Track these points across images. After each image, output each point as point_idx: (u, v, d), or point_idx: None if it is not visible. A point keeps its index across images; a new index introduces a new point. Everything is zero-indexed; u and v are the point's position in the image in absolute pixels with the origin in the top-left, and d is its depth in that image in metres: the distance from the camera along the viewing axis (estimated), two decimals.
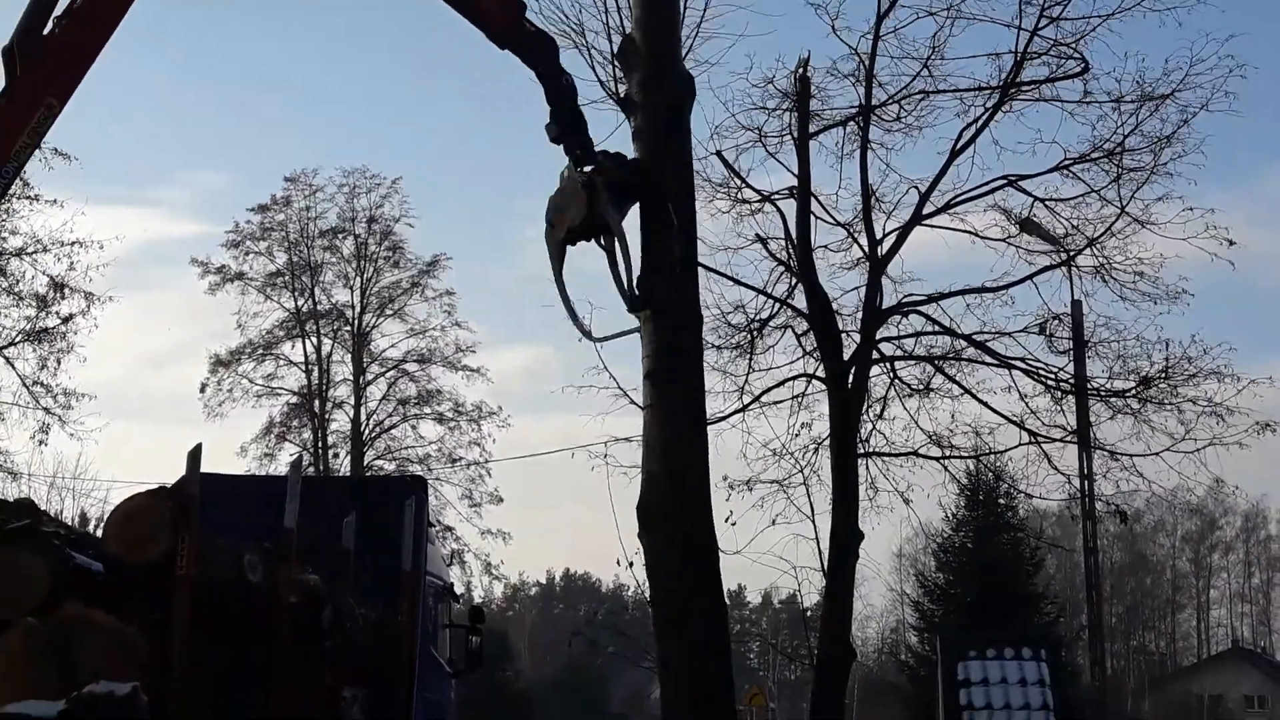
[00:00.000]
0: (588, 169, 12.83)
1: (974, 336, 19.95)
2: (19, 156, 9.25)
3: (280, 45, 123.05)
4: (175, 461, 9.34)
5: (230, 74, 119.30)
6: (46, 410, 30.91)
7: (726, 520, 17.25)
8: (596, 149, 12.97)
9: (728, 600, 14.88)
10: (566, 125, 12.66)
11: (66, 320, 31.45)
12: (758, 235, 20.17)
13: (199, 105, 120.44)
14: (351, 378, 47.93)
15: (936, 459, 20.63)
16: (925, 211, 19.78)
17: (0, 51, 9.21)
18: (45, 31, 9.28)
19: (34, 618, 8.58)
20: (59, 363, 31.39)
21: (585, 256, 13.18)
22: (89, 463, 42.24)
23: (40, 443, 30.76)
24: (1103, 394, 20.17)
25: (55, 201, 30.67)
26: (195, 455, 9.26)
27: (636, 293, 12.69)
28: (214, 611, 9.09)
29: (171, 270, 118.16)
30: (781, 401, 20.40)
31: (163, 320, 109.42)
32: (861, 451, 19.89)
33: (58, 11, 9.37)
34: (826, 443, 19.76)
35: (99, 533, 10.74)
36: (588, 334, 13.29)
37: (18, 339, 31.17)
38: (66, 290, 31.31)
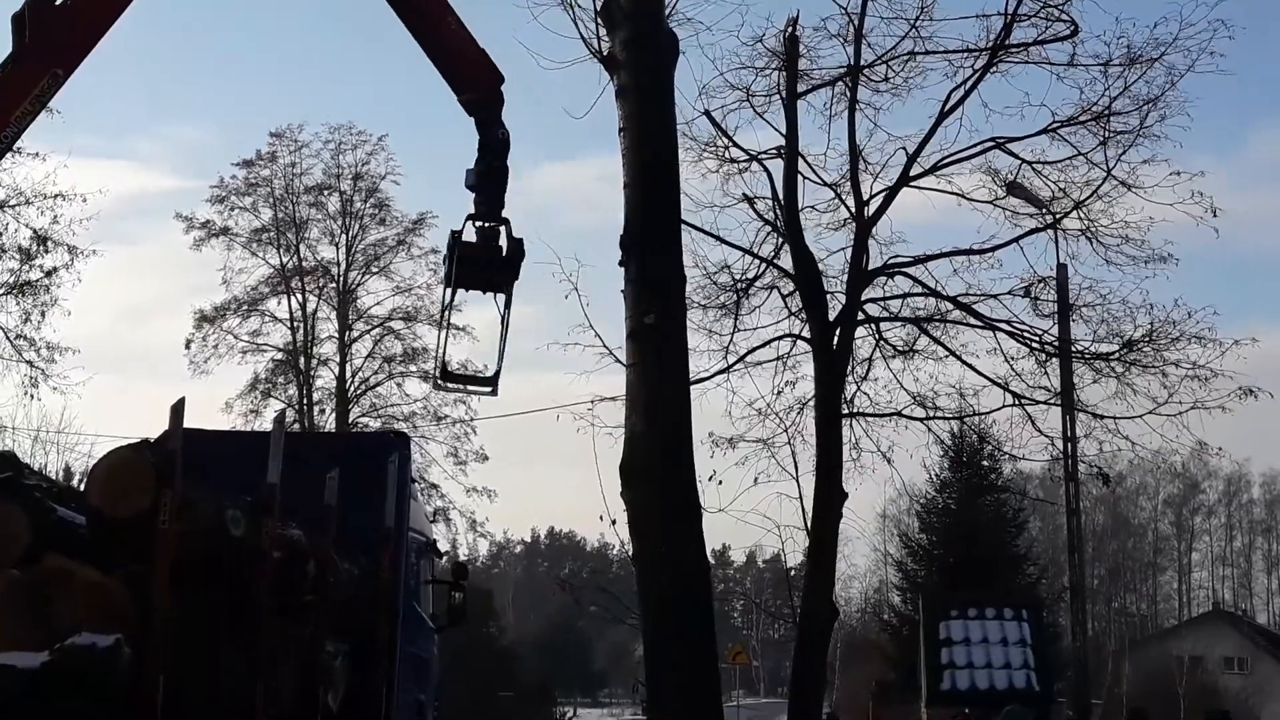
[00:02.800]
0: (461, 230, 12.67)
1: (959, 298, 20.01)
2: (20, 123, 9.22)
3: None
4: (159, 416, 9.33)
5: (209, 27, 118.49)
6: (30, 364, 30.82)
7: (710, 479, 17.34)
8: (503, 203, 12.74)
9: (711, 559, 14.96)
10: (486, 178, 12.29)
11: (50, 274, 31.32)
12: (744, 195, 20.19)
13: (176, 58, 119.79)
14: (337, 335, 47.81)
15: (920, 420, 20.73)
16: (913, 173, 19.80)
17: (10, 18, 9.17)
18: (58, 1, 9.23)
19: (16, 570, 8.59)
20: (43, 316, 31.28)
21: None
22: (73, 417, 42.06)
23: (30, 396, 30.66)
24: (1087, 357, 20.26)
25: (38, 155, 30.43)
26: (178, 410, 9.25)
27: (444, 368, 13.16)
28: (196, 565, 9.10)
29: (151, 224, 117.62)
30: (766, 361, 20.48)
31: (143, 274, 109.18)
32: (846, 412, 19.96)
33: None
34: (811, 403, 19.82)
35: (82, 487, 10.74)
36: (435, 379, 13.78)
37: (1, 292, 31.03)
38: (50, 243, 31.16)
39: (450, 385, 12.98)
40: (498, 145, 11.73)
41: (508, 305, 12.55)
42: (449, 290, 12.80)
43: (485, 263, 12.43)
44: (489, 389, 13.28)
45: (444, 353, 12.75)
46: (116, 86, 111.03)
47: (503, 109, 11.63)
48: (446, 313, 13.04)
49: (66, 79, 9.28)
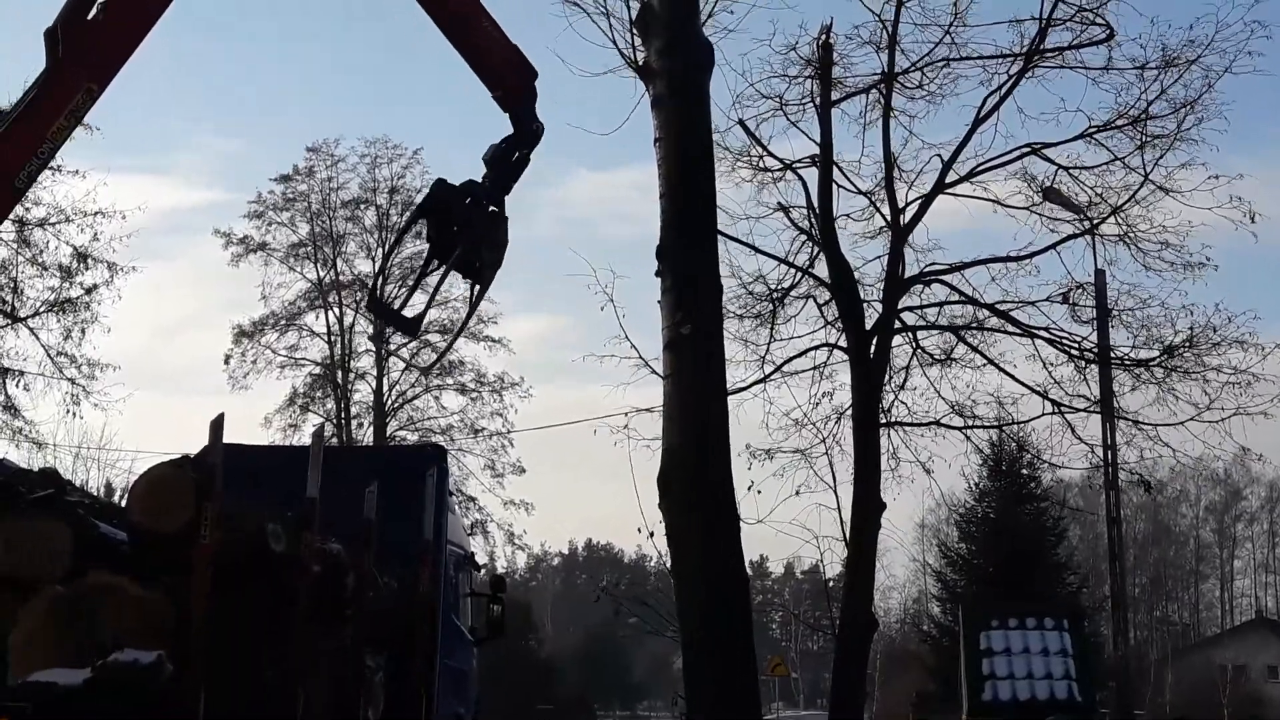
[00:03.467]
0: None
1: (997, 306, 19.92)
2: (56, 138, 9.24)
3: (296, 12, 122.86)
4: (199, 431, 9.34)
5: (243, 40, 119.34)
6: (71, 381, 31.02)
7: (748, 490, 17.30)
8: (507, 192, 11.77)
9: (750, 570, 14.91)
10: (503, 160, 11.60)
11: (90, 291, 31.52)
12: (779, 204, 20.16)
13: (210, 72, 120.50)
14: (374, 348, 48.02)
15: (959, 429, 20.65)
16: (948, 180, 19.74)
17: (44, 33, 9.23)
18: (89, 16, 9.28)
19: (59, 586, 8.64)
20: (83, 333, 31.49)
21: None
22: (114, 433, 42.47)
23: (72, 414, 30.85)
24: (1126, 363, 20.12)
25: (78, 172, 30.69)
26: (218, 425, 9.29)
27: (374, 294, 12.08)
28: (237, 579, 9.13)
29: (185, 239, 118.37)
30: (803, 371, 20.43)
31: (179, 289, 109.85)
32: (883, 421, 19.88)
33: None
34: (848, 413, 19.75)
35: (124, 503, 10.80)
36: (371, 300, 13.07)
37: (42, 309, 31.26)
38: (90, 260, 31.38)
39: (378, 312, 12.53)
40: (529, 137, 11.58)
41: (483, 269, 11.79)
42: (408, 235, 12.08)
43: (463, 222, 11.58)
44: (409, 330, 12.59)
45: (380, 284, 12.17)
46: (147, 101, 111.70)
47: (536, 103, 11.54)
48: (392, 253, 12.57)
49: (101, 93, 9.33)
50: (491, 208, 11.51)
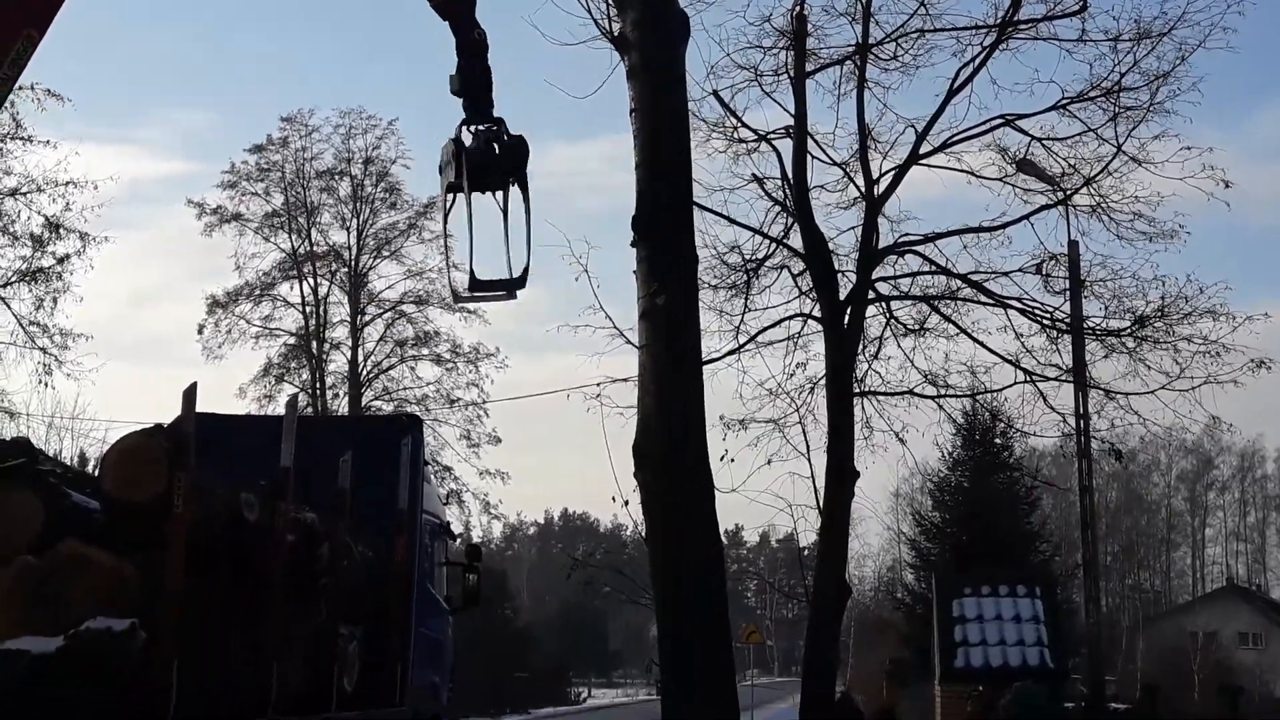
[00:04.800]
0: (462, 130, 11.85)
1: (970, 276, 20.00)
2: (2, 88, 9.13)
3: None
4: (172, 401, 9.30)
5: (209, 9, 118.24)
6: (43, 350, 30.90)
7: (722, 459, 17.36)
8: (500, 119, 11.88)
9: (724, 539, 14.97)
10: (470, 79, 11.66)
11: (62, 260, 31.39)
12: (754, 175, 20.18)
13: (175, 41, 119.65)
14: (349, 319, 47.90)
15: (932, 398, 20.74)
16: (922, 151, 19.78)
17: None
18: None
19: (30, 556, 8.62)
20: (55, 303, 31.36)
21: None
22: (87, 403, 42.18)
23: (45, 384, 30.75)
24: (1098, 333, 20.24)
25: (49, 142, 30.52)
26: (190, 394, 9.25)
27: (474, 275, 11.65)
28: (210, 549, 9.12)
29: (156, 208, 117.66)
30: (777, 341, 20.48)
31: (151, 259, 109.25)
32: (857, 391, 19.97)
33: None
34: (822, 382, 19.81)
35: (96, 472, 10.77)
36: (455, 293, 12.71)
37: (13, 279, 31.11)
38: (62, 230, 31.22)
39: (476, 295, 11.97)
40: (475, 46, 11.37)
41: (525, 197, 11.62)
42: (456, 196, 11.69)
43: (491, 164, 11.65)
44: (512, 292, 11.93)
45: (472, 262, 11.70)
46: (116, 71, 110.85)
47: (475, 7, 11.32)
48: (445, 224, 12.31)
49: (41, 38, 9.18)
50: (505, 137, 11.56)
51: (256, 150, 47.46)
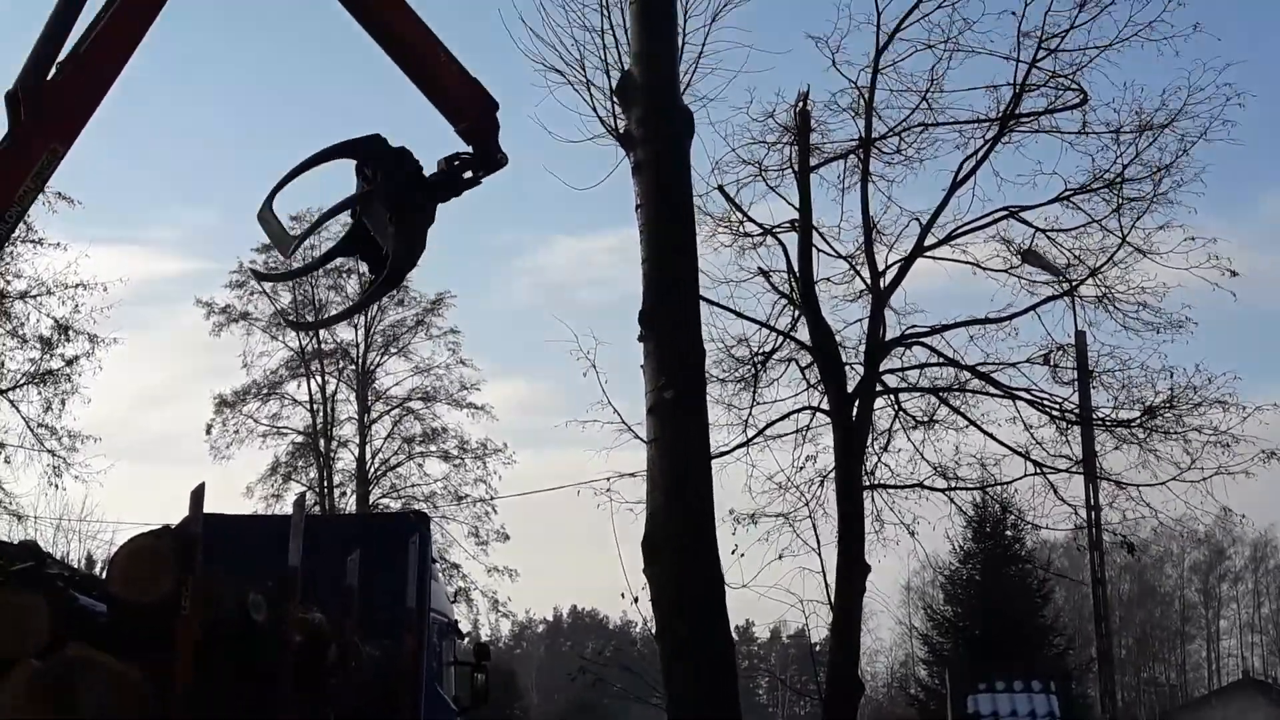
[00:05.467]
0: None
1: (978, 367, 19.95)
2: (22, 201, 9.22)
3: (264, 80, 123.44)
4: (180, 501, 9.27)
5: (211, 108, 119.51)
6: (51, 453, 30.93)
7: (732, 553, 17.24)
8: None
9: (735, 635, 14.84)
10: (456, 170, 11.07)
11: (71, 363, 31.52)
12: (760, 268, 20.22)
13: (182, 142, 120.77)
14: (356, 416, 47.96)
15: (942, 491, 20.59)
16: (927, 243, 19.82)
17: (4, 97, 9.23)
18: (49, 77, 9.29)
19: (37, 660, 8.56)
20: (63, 404, 31.44)
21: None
22: (95, 504, 42.29)
23: (54, 486, 30.76)
24: (1108, 424, 20.16)
25: (59, 245, 30.81)
26: (198, 495, 9.24)
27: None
28: (218, 652, 9.06)
29: (162, 307, 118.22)
30: (786, 435, 20.38)
31: (158, 358, 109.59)
32: (867, 484, 19.84)
33: (61, 57, 9.38)
34: (831, 476, 19.72)
35: (104, 574, 10.71)
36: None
37: (22, 381, 31.21)
38: (71, 333, 31.38)
39: (266, 221, 11.01)
40: (492, 164, 11.11)
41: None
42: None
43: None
44: (284, 248, 11.26)
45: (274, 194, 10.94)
46: (119, 172, 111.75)
47: (499, 133, 11.33)
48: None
49: (65, 153, 9.31)
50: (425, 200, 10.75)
51: (264, 250, 47.79)
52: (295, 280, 11.94)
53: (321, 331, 47.63)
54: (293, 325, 12.47)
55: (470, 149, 10.97)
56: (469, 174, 11.02)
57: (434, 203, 10.94)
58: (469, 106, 11.01)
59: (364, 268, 11.26)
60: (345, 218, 11.11)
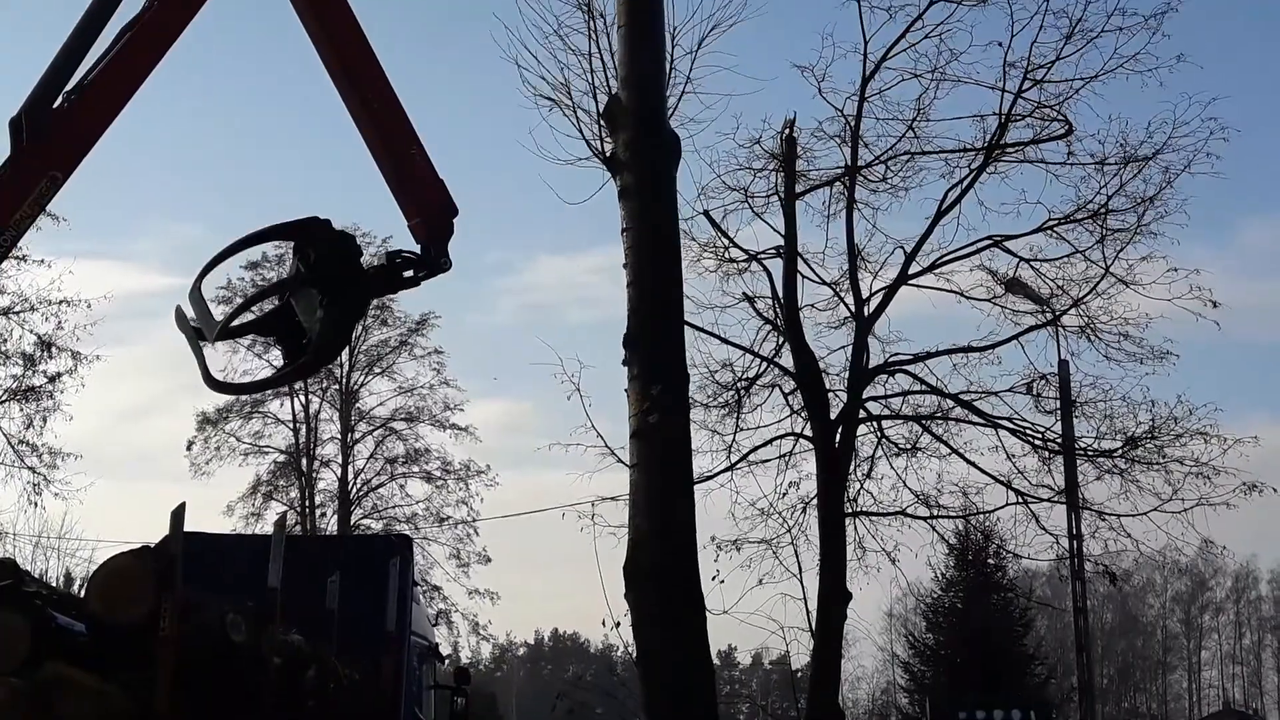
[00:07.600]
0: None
1: (961, 396, 20.01)
2: (19, 226, 9.23)
3: (253, 94, 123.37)
4: (160, 519, 9.26)
5: (193, 120, 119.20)
6: (32, 470, 30.77)
7: (714, 579, 17.21)
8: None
9: (717, 661, 14.83)
10: (397, 267, 10.89)
11: (53, 379, 31.37)
12: (745, 294, 20.28)
13: (167, 156, 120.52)
14: (339, 436, 47.84)
15: (924, 519, 20.62)
16: (911, 271, 19.91)
17: (8, 123, 9.25)
18: (54, 105, 9.32)
19: (15, 678, 8.52)
20: (45, 421, 31.30)
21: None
22: (74, 521, 41.95)
23: (33, 503, 30.58)
24: (1090, 454, 20.21)
25: (43, 261, 30.70)
26: (179, 514, 9.22)
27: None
28: (197, 672, 9.02)
29: (143, 323, 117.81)
30: (769, 460, 20.41)
31: (139, 374, 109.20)
32: (849, 511, 19.87)
33: (68, 86, 9.41)
34: (814, 502, 19.73)
35: (82, 593, 10.67)
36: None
37: (4, 398, 31.07)
38: (54, 349, 31.26)
39: (194, 301, 10.69)
40: (434, 268, 10.75)
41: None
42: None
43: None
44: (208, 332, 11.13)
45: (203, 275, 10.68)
46: (102, 186, 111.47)
47: (450, 240, 11.02)
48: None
49: (65, 181, 9.34)
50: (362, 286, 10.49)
51: (252, 267, 47.70)
52: (251, 394, 12.16)
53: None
54: (209, 382, 12.40)
55: (417, 248, 10.79)
56: (409, 273, 10.86)
57: (368, 298, 10.90)
58: (429, 204, 10.79)
59: None
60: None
